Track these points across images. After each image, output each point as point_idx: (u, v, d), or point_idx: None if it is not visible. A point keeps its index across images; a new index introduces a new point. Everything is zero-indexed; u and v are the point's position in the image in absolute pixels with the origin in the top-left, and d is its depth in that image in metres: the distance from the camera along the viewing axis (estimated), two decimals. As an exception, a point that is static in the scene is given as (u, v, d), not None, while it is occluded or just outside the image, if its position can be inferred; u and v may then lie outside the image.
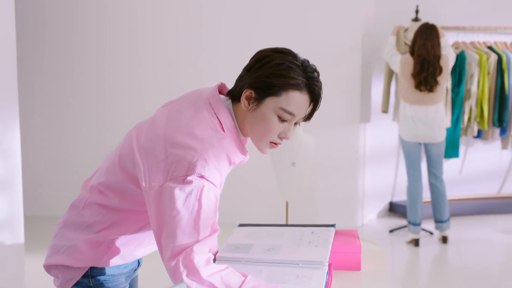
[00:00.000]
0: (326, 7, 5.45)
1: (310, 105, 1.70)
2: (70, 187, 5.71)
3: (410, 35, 5.40)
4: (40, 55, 5.75)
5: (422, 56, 4.84)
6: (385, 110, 5.66)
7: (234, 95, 1.73)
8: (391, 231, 5.56)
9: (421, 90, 4.89)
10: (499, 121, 5.88)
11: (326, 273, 1.77)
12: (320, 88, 1.69)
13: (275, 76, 1.64)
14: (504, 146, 6.11)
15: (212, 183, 1.61)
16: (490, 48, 5.88)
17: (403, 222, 5.77)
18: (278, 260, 1.83)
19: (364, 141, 5.74)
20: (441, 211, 5.16)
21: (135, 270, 1.94)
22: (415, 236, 5.13)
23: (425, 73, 4.84)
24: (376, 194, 6.03)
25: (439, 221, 5.19)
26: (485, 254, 5.05)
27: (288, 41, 5.38)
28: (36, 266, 4.27)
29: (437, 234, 5.40)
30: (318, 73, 1.70)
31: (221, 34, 5.53)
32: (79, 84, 5.75)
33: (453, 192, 6.24)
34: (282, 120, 1.69)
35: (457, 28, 5.85)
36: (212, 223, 1.63)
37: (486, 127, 5.86)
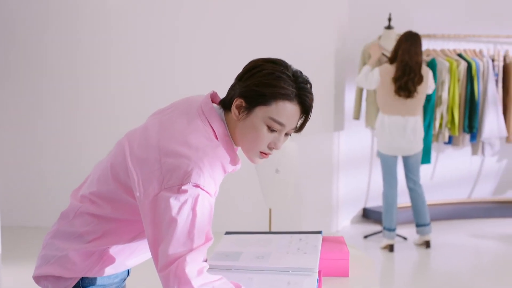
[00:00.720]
0: (300, 17, 5.47)
1: (301, 116, 1.70)
2: (44, 196, 5.64)
3: (384, 43, 5.48)
4: (9, 59, 5.66)
5: (404, 62, 4.85)
6: (357, 117, 5.71)
7: (225, 104, 1.73)
8: (365, 237, 5.60)
9: (399, 95, 4.90)
10: (469, 127, 5.99)
11: (316, 280, 1.78)
12: (311, 99, 1.69)
13: (265, 85, 1.64)
14: (474, 152, 6.23)
15: (207, 192, 1.60)
16: (460, 55, 5.99)
17: (377, 228, 5.83)
18: (268, 267, 1.84)
19: (338, 148, 5.78)
20: (422, 215, 5.22)
21: (124, 279, 1.92)
22: (390, 242, 5.18)
23: (406, 77, 4.85)
24: (350, 200, 6.08)
25: (421, 225, 5.24)
26: (456, 258, 5.11)
27: (262, 51, 5.35)
28: (12, 277, 4.22)
29: (411, 239, 5.46)
30: (310, 84, 1.70)
31: (195, 47, 5.50)
32: (56, 91, 5.65)
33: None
34: (271, 130, 1.68)
35: (428, 36, 5.94)
36: (206, 231, 1.62)
37: (456, 133, 5.95)
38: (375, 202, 6.22)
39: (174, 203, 1.56)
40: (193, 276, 1.55)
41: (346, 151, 5.95)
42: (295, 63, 5.44)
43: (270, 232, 2.17)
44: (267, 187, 3.51)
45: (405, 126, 4.96)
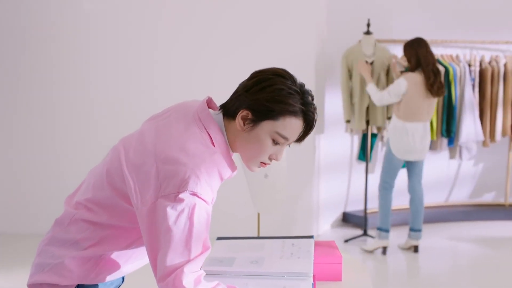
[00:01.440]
0: (280, 21, 5.48)
1: (303, 129, 1.73)
2: (37, 203, 5.57)
3: (364, 49, 5.52)
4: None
5: (430, 65, 4.94)
6: (348, 120, 5.71)
7: (228, 112, 1.72)
8: (346, 241, 5.63)
9: (437, 95, 4.98)
10: (447, 131, 6.06)
11: (311, 284, 1.78)
12: (314, 114, 1.71)
13: (275, 101, 1.65)
14: (452, 156, 6.30)
15: (204, 200, 1.59)
16: (437, 60, 6.06)
17: (357, 232, 5.86)
18: (263, 272, 1.83)
19: (318, 152, 5.81)
20: (420, 220, 5.26)
21: (119, 286, 1.90)
22: (384, 243, 5.21)
23: (438, 78, 4.96)
24: (330, 205, 6.11)
25: (417, 230, 5.26)
26: (434, 261, 5.16)
27: (243, 55, 5.43)
28: (5, 285, 4.15)
29: (395, 244, 5.49)
30: (313, 97, 1.72)
31: (176, 53, 5.48)
32: (47, 98, 5.59)
33: (402, 201, 6.38)
34: (275, 143, 1.71)
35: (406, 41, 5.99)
36: (203, 240, 1.61)
37: (435, 137, 6.02)
38: (355, 206, 6.25)
39: (171, 212, 1.55)
40: (191, 287, 1.54)
41: (325, 155, 5.98)
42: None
43: (262, 237, 2.16)
44: (256, 192, 3.51)
45: (425, 131, 5.05)
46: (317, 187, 5.81)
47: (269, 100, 1.65)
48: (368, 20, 5.57)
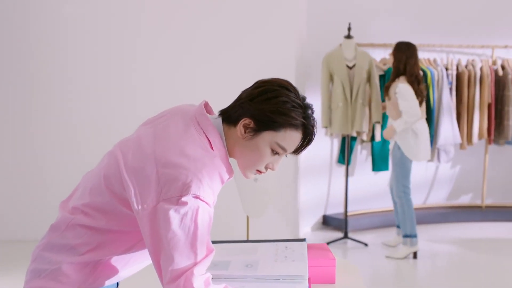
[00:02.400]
0: (259, 27, 5.49)
1: (301, 141, 1.75)
2: (30, 209, 5.49)
3: (345, 53, 5.56)
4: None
5: (415, 75, 4.97)
6: (326, 125, 5.72)
7: (230, 118, 1.73)
8: (327, 243, 5.65)
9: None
10: (426, 134, 6.12)
11: (307, 287, 1.79)
12: (314, 128, 1.74)
13: (279, 113, 1.67)
14: (430, 159, 6.37)
15: (206, 203, 1.60)
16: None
17: (337, 234, 5.89)
18: (259, 276, 1.84)
19: (298, 156, 5.82)
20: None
21: (114, 291, 1.89)
22: (416, 248, 5.23)
23: (421, 85, 5.04)
24: (310, 208, 6.14)
25: (414, 236, 5.26)
26: (412, 263, 5.20)
27: (223, 62, 5.43)
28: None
29: (372, 246, 5.53)
30: (313, 111, 1.75)
31: (155, 61, 5.47)
32: (38, 103, 5.51)
33: (381, 204, 6.45)
34: (274, 153, 1.73)
35: (385, 45, 6.07)
36: (206, 243, 1.62)
37: (413, 140, 6.08)
38: (335, 209, 6.29)
39: (174, 215, 1.55)
40: None
41: (305, 158, 6.01)
42: (255, 73, 5.53)
43: (254, 241, 2.17)
44: (245, 195, 3.52)
45: (427, 129, 5.17)
46: (298, 190, 5.83)
47: (273, 111, 1.67)
48: (349, 24, 5.61)
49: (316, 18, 5.93)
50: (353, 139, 6.13)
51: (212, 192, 1.63)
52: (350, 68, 5.56)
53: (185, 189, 1.56)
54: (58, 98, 5.50)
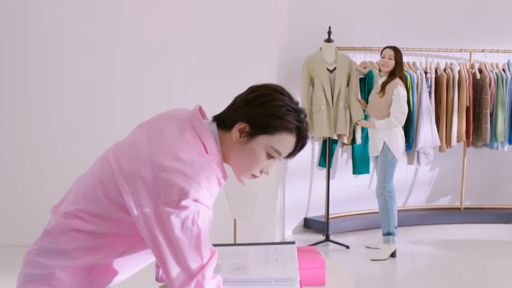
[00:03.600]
0: (240, 30, 5.48)
1: (295, 145, 1.75)
2: (19, 215, 5.43)
3: (326, 56, 5.59)
4: None
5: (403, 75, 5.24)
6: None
7: (225, 123, 1.73)
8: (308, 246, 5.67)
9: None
10: (405, 137, 6.17)
11: (298, 290, 1.80)
12: (307, 131, 1.75)
13: (275, 117, 1.68)
14: (410, 162, 6.44)
15: (206, 206, 1.60)
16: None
17: (319, 237, 5.91)
18: (251, 279, 1.84)
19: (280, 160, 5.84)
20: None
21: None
22: (395, 246, 5.34)
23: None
24: (291, 211, 6.15)
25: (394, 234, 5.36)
26: (392, 264, 5.24)
27: (204, 65, 5.43)
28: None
29: (353, 248, 5.57)
30: (306, 115, 1.77)
31: (132, 64, 5.45)
32: (28, 107, 5.45)
33: (362, 206, 6.49)
34: (269, 157, 1.74)
35: (365, 49, 6.12)
36: (209, 244, 1.63)
37: (393, 143, 6.13)
38: (316, 212, 6.32)
39: (176, 220, 1.56)
40: None
41: (286, 162, 6.03)
42: (237, 76, 5.55)
43: (244, 244, 2.17)
44: (233, 199, 3.52)
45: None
46: (279, 193, 5.85)
47: (269, 115, 1.68)
48: (329, 27, 5.64)
49: (296, 21, 5.96)
50: (334, 142, 6.16)
51: (211, 195, 1.63)
52: (331, 71, 5.60)
53: (184, 193, 1.56)
54: (41, 102, 5.44)
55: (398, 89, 5.08)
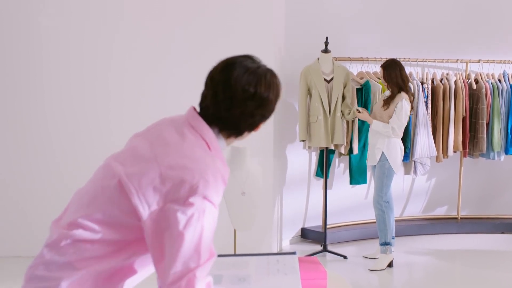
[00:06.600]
0: (237, 41, 5.49)
1: None
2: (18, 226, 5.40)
3: (323, 67, 5.61)
4: None
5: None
6: (303, 139, 5.74)
7: (233, 129, 1.77)
8: (307, 256, 5.67)
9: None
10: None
11: (300, 300, 1.80)
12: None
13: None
14: (407, 172, 6.44)
15: (213, 203, 1.61)
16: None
17: (316, 247, 5.89)
18: (253, 289, 1.84)
19: (278, 169, 5.85)
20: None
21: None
22: (393, 255, 5.34)
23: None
24: (288, 221, 6.14)
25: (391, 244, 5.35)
26: (389, 274, 5.24)
27: (199, 79, 5.41)
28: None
29: (351, 258, 5.56)
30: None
31: (130, 71, 5.46)
32: (24, 117, 5.46)
33: (359, 216, 6.49)
34: None
35: (362, 59, 6.14)
36: (209, 246, 1.62)
37: (390, 153, 6.13)
38: (313, 222, 6.31)
39: (181, 217, 1.56)
40: None
41: (284, 172, 6.03)
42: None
43: (244, 254, 2.17)
44: (233, 209, 3.52)
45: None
46: (277, 203, 5.84)
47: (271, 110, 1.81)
48: (326, 38, 5.66)
49: (293, 32, 5.97)
50: (331, 152, 6.16)
51: (217, 192, 1.64)
52: (328, 81, 5.61)
53: (192, 190, 1.57)
54: (37, 112, 5.44)
55: (402, 102, 5.14)
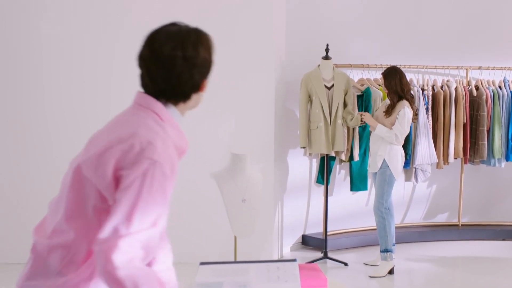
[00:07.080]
0: (238, 48, 5.49)
1: None
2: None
3: (323, 73, 5.61)
4: None
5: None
6: (304, 145, 5.74)
7: (178, 96, 1.77)
8: (308, 263, 5.65)
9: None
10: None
11: (301, 308, 1.79)
12: None
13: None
14: (408, 178, 6.44)
15: (163, 170, 1.60)
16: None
17: (317, 254, 5.88)
18: (253, 297, 1.84)
19: (280, 176, 5.84)
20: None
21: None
22: (393, 262, 5.32)
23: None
24: (289, 228, 6.13)
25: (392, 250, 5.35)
26: (390, 281, 5.23)
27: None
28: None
29: (352, 265, 5.55)
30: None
31: (130, 74, 5.41)
32: (14, 124, 5.46)
33: (360, 223, 6.48)
34: None
35: (363, 66, 6.15)
36: (154, 216, 1.59)
37: (391, 160, 6.13)
38: (314, 229, 6.30)
39: (125, 181, 1.57)
40: (120, 265, 1.51)
41: (284, 179, 6.03)
42: (236, 98, 5.55)
43: (245, 261, 2.16)
44: (233, 216, 3.51)
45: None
46: (277, 210, 5.83)
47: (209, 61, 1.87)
48: (327, 45, 5.67)
49: (294, 39, 5.98)
50: (332, 159, 6.16)
51: (168, 159, 1.64)
52: (329, 88, 5.61)
53: (139, 154, 1.58)
54: (38, 113, 5.45)
55: (404, 110, 5.14)
